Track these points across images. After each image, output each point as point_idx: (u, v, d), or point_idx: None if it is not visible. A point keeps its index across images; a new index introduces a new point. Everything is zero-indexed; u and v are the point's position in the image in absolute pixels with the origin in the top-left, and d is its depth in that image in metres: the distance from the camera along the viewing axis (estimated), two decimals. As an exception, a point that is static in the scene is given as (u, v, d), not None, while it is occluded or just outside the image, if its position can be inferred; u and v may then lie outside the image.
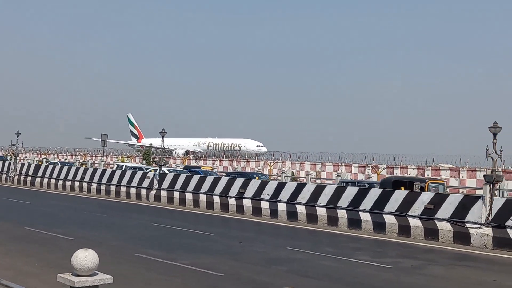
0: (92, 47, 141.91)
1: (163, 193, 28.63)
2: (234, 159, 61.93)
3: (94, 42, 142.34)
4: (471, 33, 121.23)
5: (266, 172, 54.94)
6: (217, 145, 76.95)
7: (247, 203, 24.20)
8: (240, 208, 24.43)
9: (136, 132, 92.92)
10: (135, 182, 30.60)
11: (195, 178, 27.66)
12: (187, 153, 74.21)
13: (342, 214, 20.77)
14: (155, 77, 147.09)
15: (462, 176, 42.79)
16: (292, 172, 53.20)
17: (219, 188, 25.77)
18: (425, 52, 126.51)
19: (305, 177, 43.96)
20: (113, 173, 32.72)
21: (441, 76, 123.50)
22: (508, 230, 16.57)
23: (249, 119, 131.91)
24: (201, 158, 65.95)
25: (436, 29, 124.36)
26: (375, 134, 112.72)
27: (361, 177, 47.87)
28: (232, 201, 24.93)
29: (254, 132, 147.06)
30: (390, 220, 19.38)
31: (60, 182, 35.83)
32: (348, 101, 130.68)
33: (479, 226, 17.24)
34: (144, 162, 57.09)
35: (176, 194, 27.90)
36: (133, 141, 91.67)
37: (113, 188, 31.84)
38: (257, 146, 71.78)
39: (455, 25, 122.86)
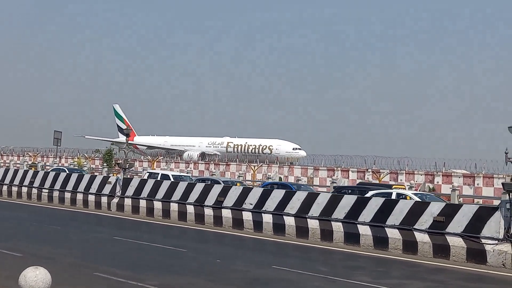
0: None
1: (128, 202, 28.52)
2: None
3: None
4: (487, 30, 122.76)
5: (249, 177, 55.00)
6: (240, 147, 74.11)
7: (226, 213, 24.19)
8: (218, 220, 24.42)
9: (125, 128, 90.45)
10: (94, 188, 30.44)
11: (165, 184, 27.60)
12: (202, 155, 71.99)
13: (337, 227, 20.85)
14: (147, 62, 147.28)
15: (478, 184, 43.21)
16: (280, 178, 53.32)
17: (194, 196, 25.73)
18: (433, 46, 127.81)
19: (295, 184, 44.09)
20: (68, 177, 32.53)
21: (454, 69, 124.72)
22: (530, 247, 16.74)
23: (230, 117, 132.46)
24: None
25: (448, 26, 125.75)
26: (377, 134, 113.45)
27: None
28: (209, 211, 24.91)
29: (235, 131, 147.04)
30: (393, 234, 19.50)
31: (5, 188, 35.54)
32: (344, 97, 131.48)
33: (496, 242, 17.40)
34: (105, 164, 56.76)
35: (142, 203, 27.80)
36: (121, 138, 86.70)
37: (68, 195, 31.64)
38: (293, 149, 68.91)
39: (466, 23, 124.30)
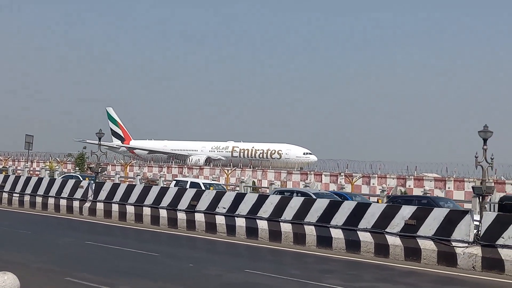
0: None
1: (100, 206, 28.32)
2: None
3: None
4: (459, 34, 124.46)
5: (222, 181, 54.95)
6: (246, 151, 72.03)
7: (199, 217, 24.15)
8: (191, 224, 24.37)
9: (120, 132, 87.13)
10: (65, 192, 30.18)
11: (138, 188, 27.47)
12: (208, 160, 70.22)
13: (310, 231, 20.93)
14: (143, 63, 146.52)
15: (449, 187, 43.71)
16: (253, 182, 53.37)
17: (167, 200, 25.65)
18: (405, 52, 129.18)
19: (268, 188, 44.13)
20: (39, 181, 32.22)
21: (426, 74, 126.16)
22: (500, 250, 16.96)
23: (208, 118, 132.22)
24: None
25: (423, 30, 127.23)
26: (350, 138, 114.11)
27: (332, 187, 48.35)
28: (182, 215, 24.84)
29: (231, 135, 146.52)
30: (365, 238, 19.62)
31: (-25, 192, 35.01)
32: (316, 99, 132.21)
33: (466, 245, 17.61)
34: (77, 168, 56.31)
35: (115, 207, 27.63)
36: (116, 142, 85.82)
37: (39, 200, 31.33)
38: (304, 154, 66.90)
39: (440, 26, 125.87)
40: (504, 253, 16.85)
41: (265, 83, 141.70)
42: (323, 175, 51.99)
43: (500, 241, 17.04)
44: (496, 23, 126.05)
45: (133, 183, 38.18)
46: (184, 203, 24.95)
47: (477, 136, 18.81)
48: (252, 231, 22.36)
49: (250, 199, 23.29)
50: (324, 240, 20.51)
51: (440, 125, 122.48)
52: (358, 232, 19.84)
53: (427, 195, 31.09)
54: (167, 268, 15.69)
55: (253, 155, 70.52)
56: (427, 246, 18.31)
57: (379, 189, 37.53)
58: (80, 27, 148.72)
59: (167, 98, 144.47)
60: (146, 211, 26.25)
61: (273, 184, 43.27)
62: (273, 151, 69.26)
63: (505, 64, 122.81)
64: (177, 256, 18.29)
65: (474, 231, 17.71)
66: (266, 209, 22.32)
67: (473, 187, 18.91)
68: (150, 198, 26.32)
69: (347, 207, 20.56)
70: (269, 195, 24.20)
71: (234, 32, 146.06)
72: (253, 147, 71.63)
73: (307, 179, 50.78)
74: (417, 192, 41.85)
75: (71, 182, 30.89)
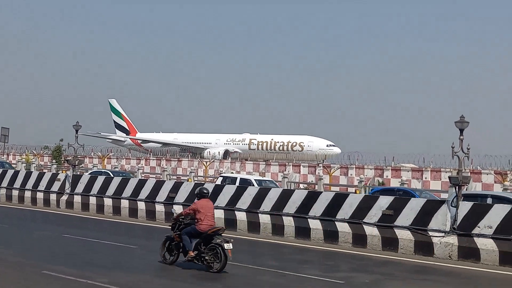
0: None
1: (77, 199, 28.17)
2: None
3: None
4: (438, 24, 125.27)
5: (201, 173, 54.88)
6: (265, 144, 69.13)
7: (178, 209, 24.03)
8: (170, 216, 24.19)
9: (124, 125, 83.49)
10: (42, 185, 29.97)
11: (116, 180, 27.35)
12: (226, 153, 67.78)
13: (288, 222, 21.00)
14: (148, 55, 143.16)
15: (426, 178, 44.01)
16: (232, 173, 53.30)
17: (145, 192, 25.58)
18: (383, 41, 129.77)
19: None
20: (15, 174, 31.96)
21: (403, 64, 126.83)
22: (475, 239, 17.16)
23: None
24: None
25: (397, 21, 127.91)
26: (326, 129, 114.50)
27: (311, 178, 48.46)
28: (160, 208, 24.80)
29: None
30: (343, 228, 19.74)
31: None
32: (294, 91, 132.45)
33: (443, 234, 17.80)
34: (54, 161, 55.84)
35: (92, 200, 27.50)
36: (119, 135, 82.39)
37: (15, 193, 31.08)
38: (327, 146, 64.24)
39: (414, 17, 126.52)
40: (480, 242, 17.05)
41: (259, 78, 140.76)
42: (301, 166, 52.08)
43: (476, 231, 17.23)
44: (471, 15, 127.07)
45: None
46: (162, 195, 24.90)
47: (454, 126, 18.97)
48: (231, 223, 22.36)
49: (228, 191, 23.30)
50: (303, 231, 20.59)
51: (417, 116, 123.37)
52: (336, 222, 19.94)
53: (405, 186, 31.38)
54: (145, 260, 15.68)
55: (272, 148, 68.00)
56: (404, 236, 18.47)
57: (357, 179, 37.67)
58: (80, 15, 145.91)
59: (172, 90, 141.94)
60: (124, 203, 26.16)
61: (252, 175, 43.19)
62: (294, 143, 66.51)
63: (481, 55, 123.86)
64: (155, 249, 18.12)
65: (451, 221, 17.89)
66: (245, 201, 22.35)
67: (449, 177, 19.07)
68: (128, 191, 26.23)
69: (325, 198, 20.66)
70: (247, 187, 24.20)
71: (243, 20, 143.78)
72: (272, 139, 68.85)
73: (285, 170, 50.84)
74: (395, 182, 42.17)
75: (48, 175, 30.68)
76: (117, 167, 49.13)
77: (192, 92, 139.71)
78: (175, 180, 27.94)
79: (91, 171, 40.09)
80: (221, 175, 37.01)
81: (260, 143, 69.55)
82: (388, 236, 18.78)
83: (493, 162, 42.29)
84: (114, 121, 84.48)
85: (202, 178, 49.82)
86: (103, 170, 40.52)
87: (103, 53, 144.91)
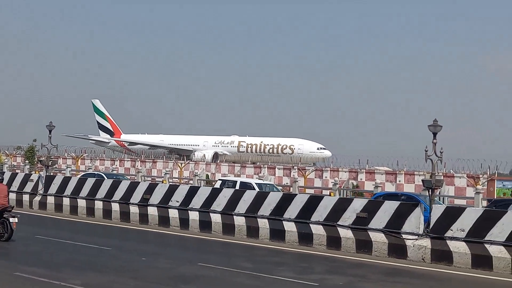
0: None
1: (50, 200, 27.92)
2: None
3: None
4: (413, 28, 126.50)
5: (176, 174, 54.73)
6: (254, 146, 68.06)
7: (152, 211, 24.03)
8: (144, 217, 24.22)
9: (108, 126, 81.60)
10: (15, 186, 29.63)
11: (90, 181, 27.15)
12: (215, 156, 66.54)
13: (263, 224, 21.03)
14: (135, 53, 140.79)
15: (399, 181, 44.28)
16: (207, 175, 53.18)
17: (119, 193, 25.43)
18: (359, 43, 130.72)
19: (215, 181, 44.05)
20: (-13, 174, 31.56)
21: (377, 67, 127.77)
22: (448, 242, 17.33)
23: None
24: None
25: (370, 25, 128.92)
26: (301, 132, 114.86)
27: (286, 180, 48.56)
28: (134, 209, 24.68)
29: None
30: (317, 230, 19.81)
31: None
32: (265, 94, 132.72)
33: (416, 237, 17.95)
34: (27, 161, 55.28)
35: (66, 201, 27.27)
36: (103, 136, 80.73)
37: (-13, 193, 30.66)
38: (318, 149, 63.53)
39: (387, 21, 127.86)
40: (452, 245, 17.23)
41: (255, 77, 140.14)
42: (276, 169, 52.14)
43: (448, 233, 17.40)
44: (444, 18, 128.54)
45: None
46: (137, 196, 24.77)
47: (427, 130, 19.16)
48: (205, 225, 22.36)
49: (203, 192, 23.27)
50: (277, 233, 20.63)
51: (391, 119, 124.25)
52: (310, 225, 20.01)
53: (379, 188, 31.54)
54: (118, 261, 15.61)
55: (262, 150, 67.03)
56: (378, 239, 18.60)
57: (332, 182, 37.81)
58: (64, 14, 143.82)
59: (160, 91, 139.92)
60: (98, 204, 25.98)
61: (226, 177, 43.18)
62: (285, 146, 65.93)
63: (454, 58, 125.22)
64: (129, 250, 18.19)
65: (424, 224, 18.05)
66: (220, 203, 22.33)
67: (423, 180, 19.26)
68: (102, 192, 26.06)
69: (299, 200, 20.71)
70: (222, 189, 24.19)
71: (233, 20, 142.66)
72: (261, 142, 67.84)
73: (260, 172, 50.90)
74: (369, 185, 42.39)
75: (20, 176, 30.39)
76: (90, 168, 48.70)
77: (180, 93, 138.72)
78: (150, 182, 27.82)
79: (83, 173, 38.65)
80: (220, 178, 34.90)
81: (250, 146, 68.63)
82: (362, 238, 18.88)
83: (466, 166, 42.80)
84: (97, 122, 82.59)
85: (177, 179, 49.68)
86: (95, 173, 38.15)
87: (95, 52, 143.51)
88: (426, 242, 17.71)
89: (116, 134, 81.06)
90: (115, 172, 45.50)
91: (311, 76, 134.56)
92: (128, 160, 62.44)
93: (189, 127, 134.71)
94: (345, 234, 19.26)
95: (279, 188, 32.37)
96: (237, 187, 27.37)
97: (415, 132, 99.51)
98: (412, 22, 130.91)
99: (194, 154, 68.29)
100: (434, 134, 18.98)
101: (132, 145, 76.63)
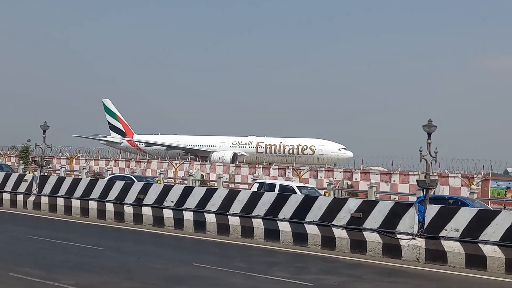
0: None
1: (44, 200, 27.81)
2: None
3: None
4: (408, 28, 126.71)
5: (170, 174, 54.68)
6: (273, 147, 67.34)
7: (147, 211, 23.97)
8: (138, 218, 24.16)
9: (120, 126, 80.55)
10: (9, 186, 29.52)
11: (84, 181, 27.10)
12: (234, 157, 65.44)
13: (258, 224, 21.01)
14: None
15: (394, 181, 44.40)
16: (201, 175, 53.21)
17: (113, 193, 25.35)
18: (353, 42, 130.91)
19: (216, 181, 44.08)
20: (-19, 175, 31.43)
21: (373, 66, 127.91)
22: (442, 242, 17.34)
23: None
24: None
25: (365, 20, 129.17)
26: (297, 132, 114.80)
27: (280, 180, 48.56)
28: (129, 209, 24.60)
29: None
30: (312, 230, 19.80)
31: None
32: (259, 90, 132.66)
33: (411, 237, 17.95)
34: (22, 161, 55.16)
35: (60, 201, 27.18)
36: (114, 137, 79.80)
37: (-19, 194, 30.57)
38: (339, 150, 62.51)
39: (385, 16, 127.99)
40: (446, 245, 17.24)
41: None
42: (271, 169, 52.20)
43: (443, 233, 17.41)
44: (437, 15, 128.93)
45: (79, 176, 37.72)
46: (131, 196, 24.70)
47: (422, 130, 19.17)
48: (200, 225, 22.32)
49: (198, 192, 23.23)
50: (272, 233, 20.61)
51: (386, 119, 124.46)
52: (305, 225, 20.00)
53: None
54: (113, 262, 15.58)
55: (281, 151, 66.39)
56: (373, 239, 18.60)
57: (326, 182, 37.89)
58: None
59: (168, 90, 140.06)
60: (92, 205, 25.89)
61: (222, 177, 43.25)
62: (305, 147, 64.94)
63: (450, 57, 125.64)
64: (124, 250, 18.16)
65: (419, 224, 18.06)
66: (214, 203, 22.30)
67: (417, 180, 19.27)
68: (96, 192, 25.97)
69: (294, 200, 20.70)
70: (217, 189, 24.15)
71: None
72: (280, 142, 67.00)
73: (255, 173, 50.94)
74: (363, 185, 42.47)
75: (14, 176, 30.27)
76: (85, 168, 48.61)
77: (194, 91, 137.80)
78: (144, 182, 27.81)
79: (111, 175, 37.71)
80: (257, 181, 32.45)
81: (268, 146, 67.69)
82: (357, 238, 18.88)
83: (460, 166, 42.94)
84: (108, 122, 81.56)
85: (171, 180, 49.68)
86: (125, 175, 36.74)
87: (98, 52, 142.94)
88: (421, 242, 17.72)
89: (128, 135, 79.95)
90: (109, 172, 45.28)
91: (312, 75, 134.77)
92: (122, 160, 62.42)
93: (204, 127, 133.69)
94: (340, 234, 19.25)
95: (321, 192, 31.00)
96: (276, 190, 26.39)
97: (410, 132, 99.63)
98: (413, 20, 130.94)
99: (211, 155, 66.90)
100: (429, 134, 19.00)
101: (149, 145, 74.94)
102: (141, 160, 61.45)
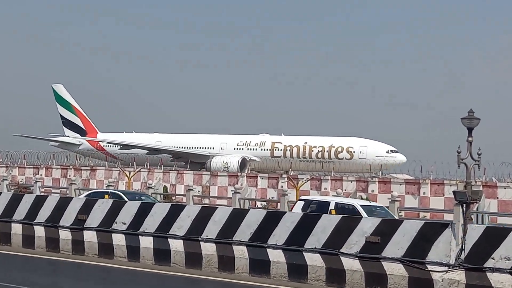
0: None
1: None
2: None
3: None
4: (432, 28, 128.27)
5: (122, 186, 54.44)
6: (295, 149, 64.96)
7: (90, 236, 23.87)
8: (79, 245, 24.06)
9: (78, 122, 77.87)
10: None
11: (4, 197, 26.93)
12: (243, 163, 63.34)
13: (240, 253, 20.97)
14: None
15: (424, 193, 44.30)
16: (165, 187, 53.04)
17: (45, 213, 25.19)
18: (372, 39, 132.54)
19: (184, 195, 43.92)
20: None
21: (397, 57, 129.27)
22: (489, 275, 17.34)
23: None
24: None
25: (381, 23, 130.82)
26: (296, 131, 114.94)
27: (271, 193, 48.52)
28: (65, 234, 24.49)
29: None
30: (313, 261, 19.78)
31: None
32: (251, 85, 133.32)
33: (446, 269, 17.95)
34: None
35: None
36: (71, 136, 77.13)
37: None
38: (387, 152, 60.40)
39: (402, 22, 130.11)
40: (494, 279, 17.24)
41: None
42: (258, 178, 51.98)
43: (489, 263, 17.42)
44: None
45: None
46: (68, 217, 24.57)
47: (460, 124, 19.17)
48: (162, 254, 22.25)
49: (159, 210, 23.11)
50: (260, 265, 20.57)
51: (411, 111, 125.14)
52: (304, 253, 19.97)
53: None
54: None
55: (307, 155, 64.45)
56: (395, 271, 18.59)
57: (333, 195, 37.89)
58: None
59: (143, 77, 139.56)
60: (16, 228, 25.73)
61: (192, 189, 43.11)
62: (340, 149, 62.92)
63: (492, 42, 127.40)
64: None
65: (456, 251, 18.08)
66: (182, 224, 22.22)
67: (454, 192, 19.23)
68: (21, 211, 25.80)
69: (289, 220, 20.65)
70: (185, 205, 24.10)
71: None
72: (305, 143, 65.09)
73: (237, 183, 50.77)
74: (383, 199, 42.41)
75: None
76: (6, 179, 48.36)
77: (178, 76, 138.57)
78: (86, 197, 27.59)
79: (91, 191, 37.01)
80: (301, 198, 31.29)
81: (288, 148, 65.61)
82: (374, 271, 18.87)
83: (513, 173, 42.91)
84: (61, 115, 79.08)
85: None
86: (109, 191, 34.65)
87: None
88: (460, 276, 17.73)
89: (89, 133, 77.78)
90: (39, 184, 45.03)
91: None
92: (57, 168, 61.99)
93: (195, 121, 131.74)
94: (351, 265, 19.24)
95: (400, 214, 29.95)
96: (332, 207, 25.81)
97: (445, 128, 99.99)
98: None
99: (211, 161, 64.95)
100: (470, 130, 18.99)
101: (125, 148, 71.21)
102: (82, 168, 61.16)
